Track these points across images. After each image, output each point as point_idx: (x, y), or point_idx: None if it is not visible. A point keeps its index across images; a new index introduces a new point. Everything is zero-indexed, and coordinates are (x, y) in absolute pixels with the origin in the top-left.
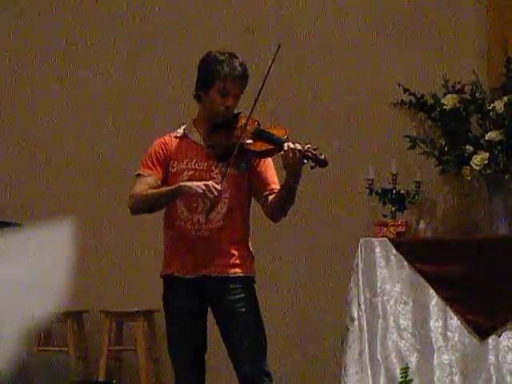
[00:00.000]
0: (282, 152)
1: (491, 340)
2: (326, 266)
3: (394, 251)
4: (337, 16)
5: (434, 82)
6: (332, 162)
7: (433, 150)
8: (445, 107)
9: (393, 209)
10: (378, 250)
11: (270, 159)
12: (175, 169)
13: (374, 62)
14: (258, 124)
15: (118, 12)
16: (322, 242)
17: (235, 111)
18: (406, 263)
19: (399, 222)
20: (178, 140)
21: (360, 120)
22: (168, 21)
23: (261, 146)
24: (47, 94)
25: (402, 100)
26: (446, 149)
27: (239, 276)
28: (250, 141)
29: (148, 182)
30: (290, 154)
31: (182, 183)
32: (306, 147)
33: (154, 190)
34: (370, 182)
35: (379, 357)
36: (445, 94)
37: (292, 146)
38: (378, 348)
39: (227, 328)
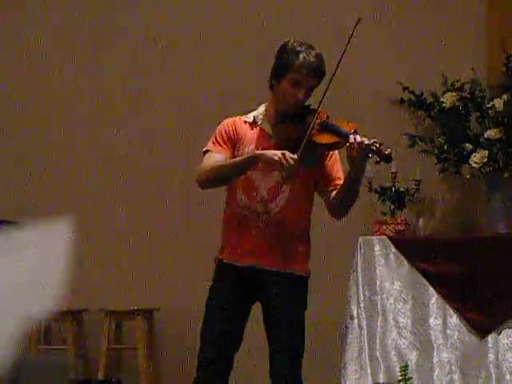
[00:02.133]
0: (348, 144)
1: (491, 338)
2: (326, 264)
3: (394, 249)
4: (336, 14)
5: (434, 80)
6: None
7: (432, 148)
8: (444, 105)
9: (392, 207)
10: (377, 248)
11: (337, 155)
12: (240, 152)
13: (373, 60)
14: (327, 117)
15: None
16: (321, 240)
17: (306, 104)
18: (405, 261)
19: (398, 220)
20: (247, 125)
21: (359, 118)
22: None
23: (327, 139)
24: (42, 93)
25: (401, 98)
26: (445, 147)
27: (289, 273)
28: (316, 133)
29: (217, 158)
30: (356, 147)
31: (257, 151)
32: (372, 141)
33: (227, 161)
34: (370, 180)
35: (378, 355)
36: (444, 92)
37: (359, 139)
38: (378, 346)
39: (268, 325)
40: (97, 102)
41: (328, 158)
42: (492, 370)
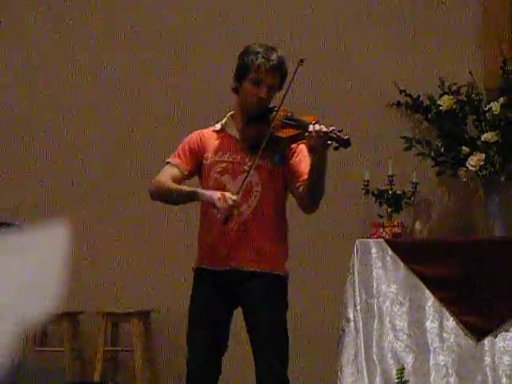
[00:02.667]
0: (307, 134)
1: (487, 341)
2: (322, 266)
3: (390, 252)
4: (333, 17)
5: (431, 83)
6: (329, 162)
7: (429, 151)
8: (441, 108)
9: (389, 210)
10: (373, 250)
11: (304, 152)
12: (208, 161)
13: (370, 63)
14: (291, 114)
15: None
16: (317, 243)
17: (271, 106)
18: (401, 264)
19: (395, 223)
20: (215, 134)
21: (357, 121)
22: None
23: (287, 132)
24: (43, 94)
25: (398, 101)
26: (442, 150)
27: (267, 272)
28: (279, 129)
29: (171, 173)
30: (314, 135)
31: (198, 189)
32: (331, 129)
33: (174, 186)
34: (366, 182)
35: (375, 358)
36: (441, 95)
37: (317, 127)
38: (374, 349)
39: (250, 325)
40: (97, 103)
41: (295, 155)
42: (488, 373)
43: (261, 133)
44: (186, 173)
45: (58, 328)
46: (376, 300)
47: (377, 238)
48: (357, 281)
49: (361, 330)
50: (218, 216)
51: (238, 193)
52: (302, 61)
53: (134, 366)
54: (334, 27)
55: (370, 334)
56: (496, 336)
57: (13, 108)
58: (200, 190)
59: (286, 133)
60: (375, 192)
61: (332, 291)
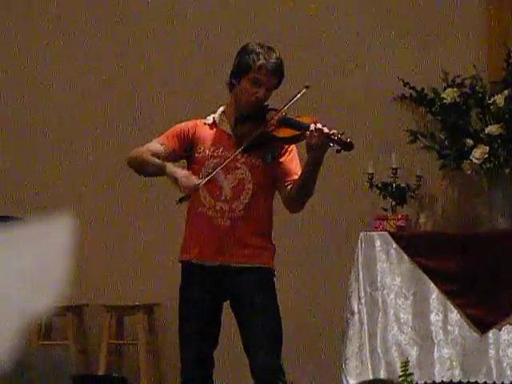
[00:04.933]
0: (307, 133)
1: (491, 334)
2: (326, 259)
3: (394, 245)
4: (337, 10)
5: (435, 75)
6: (332, 156)
7: (433, 143)
8: (445, 101)
9: (393, 203)
10: (378, 243)
11: (295, 152)
12: (201, 154)
13: (374, 56)
14: (285, 113)
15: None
16: (321, 236)
17: (265, 104)
18: (406, 257)
19: (399, 216)
20: (207, 127)
21: (360, 114)
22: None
23: (285, 133)
24: (46, 87)
25: (402, 94)
26: (446, 143)
27: (256, 267)
28: (276, 129)
29: (153, 148)
30: (315, 134)
31: (168, 164)
32: (332, 131)
33: (149, 158)
34: (370, 175)
35: (379, 350)
36: (445, 88)
37: (319, 126)
38: (378, 342)
39: (242, 320)
40: (102, 98)
41: (287, 154)
42: (493, 366)
43: (254, 131)
44: (167, 153)
45: (63, 321)
46: (380, 293)
47: (381, 231)
48: (361, 274)
49: (365, 322)
50: (223, 196)
51: (203, 179)
52: (307, 87)
53: (138, 359)
54: (338, 21)
55: (375, 327)
56: (500, 329)
57: (12, 105)
58: (169, 165)
59: (285, 133)
60: (379, 185)
61: (336, 284)
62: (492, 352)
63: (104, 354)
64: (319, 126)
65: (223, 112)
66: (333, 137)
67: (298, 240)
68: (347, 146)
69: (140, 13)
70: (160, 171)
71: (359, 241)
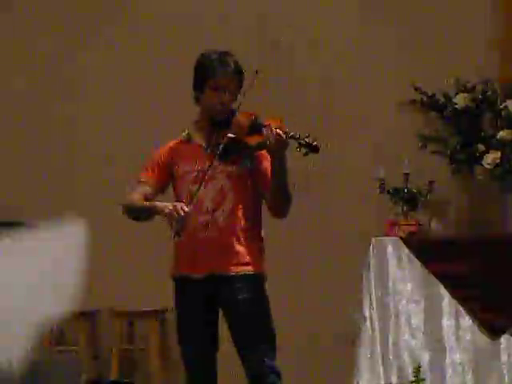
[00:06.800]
0: (264, 133)
1: (503, 339)
2: (338, 264)
3: (406, 250)
4: (347, 15)
5: (446, 80)
6: (344, 161)
7: (445, 149)
8: (456, 106)
9: (405, 208)
10: (389, 249)
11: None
12: (180, 173)
13: (385, 61)
14: (255, 117)
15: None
16: (333, 242)
17: (233, 109)
18: (417, 262)
19: (411, 222)
20: (182, 144)
21: (372, 119)
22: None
23: (254, 140)
24: (58, 91)
25: (413, 99)
26: (457, 148)
27: (247, 274)
28: (245, 134)
29: (141, 192)
30: (273, 135)
31: (156, 202)
32: (292, 133)
33: (139, 204)
34: (382, 181)
35: (391, 356)
36: (456, 93)
37: (273, 129)
38: (390, 347)
39: (235, 327)
40: (104, 102)
41: (265, 162)
42: (505, 372)
43: (226, 138)
44: (157, 187)
45: (75, 327)
46: (392, 298)
47: (393, 236)
48: (373, 279)
49: (377, 327)
50: (205, 209)
51: (190, 204)
52: (256, 72)
53: (149, 364)
54: (347, 25)
55: (386, 332)
56: None
57: (17, 107)
58: (157, 204)
59: (252, 140)
60: (391, 190)
61: (348, 289)
62: (504, 357)
63: (115, 359)
64: (273, 129)
65: (195, 125)
66: (292, 138)
67: (308, 245)
68: (312, 148)
69: (153, 16)
70: (152, 213)
71: (371, 246)
